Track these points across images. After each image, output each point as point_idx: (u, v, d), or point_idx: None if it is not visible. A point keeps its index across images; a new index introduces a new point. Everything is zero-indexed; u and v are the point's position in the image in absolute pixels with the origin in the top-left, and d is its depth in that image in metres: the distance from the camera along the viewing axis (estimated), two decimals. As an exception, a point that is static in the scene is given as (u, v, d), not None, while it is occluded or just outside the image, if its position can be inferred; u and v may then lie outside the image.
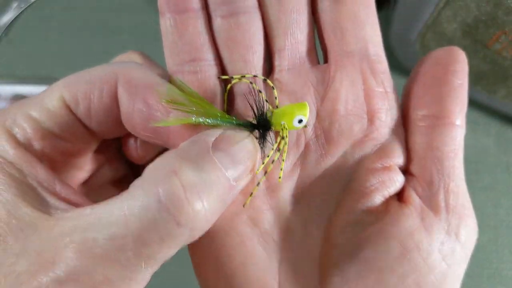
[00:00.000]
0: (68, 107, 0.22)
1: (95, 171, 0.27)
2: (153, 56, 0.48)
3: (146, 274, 0.18)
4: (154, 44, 0.49)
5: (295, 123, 0.21)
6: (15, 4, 0.47)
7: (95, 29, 0.48)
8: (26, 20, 0.48)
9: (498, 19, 0.33)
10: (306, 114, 0.21)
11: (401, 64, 0.47)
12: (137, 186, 0.18)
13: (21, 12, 0.47)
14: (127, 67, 0.22)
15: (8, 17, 0.47)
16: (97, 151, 0.26)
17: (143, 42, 0.47)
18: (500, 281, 0.42)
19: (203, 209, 0.18)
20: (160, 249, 0.17)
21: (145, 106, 0.21)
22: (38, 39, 0.47)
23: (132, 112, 0.21)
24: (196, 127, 0.21)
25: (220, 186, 0.19)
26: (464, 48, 0.39)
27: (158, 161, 0.19)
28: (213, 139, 0.20)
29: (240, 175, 0.20)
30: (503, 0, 0.32)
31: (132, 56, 0.26)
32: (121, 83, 0.22)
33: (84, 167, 0.26)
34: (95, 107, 0.22)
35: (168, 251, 0.18)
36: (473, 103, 0.47)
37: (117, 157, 0.28)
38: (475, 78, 0.40)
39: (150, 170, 0.19)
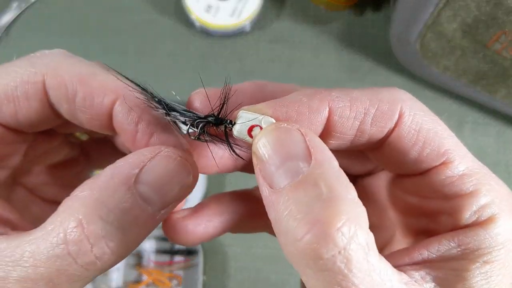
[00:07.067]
0: None
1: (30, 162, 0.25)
2: (152, 56, 0.48)
3: None
4: (154, 44, 0.49)
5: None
6: (15, 4, 0.47)
7: (95, 29, 0.48)
8: (26, 20, 0.48)
9: (498, 19, 0.33)
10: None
11: (401, 64, 0.47)
12: (49, 224, 0.18)
13: (21, 12, 0.47)
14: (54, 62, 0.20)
15: (8, 17, 0.47)
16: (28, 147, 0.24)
17: (143, 42, 0.47)
18: (500, 281, 0.42)
19: (106, 254, 0.18)
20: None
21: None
22: (38, 38, 0.47)
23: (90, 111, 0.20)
24: (149, 132, 0.20)
25: (141, 220, 0.18)
26: (464, 48, 0.39)
27: (74, 200, 0.18)
28: (136, 171, 0.18)
29: (166, 204, 0.19)
30: (503, 0, 0.32)
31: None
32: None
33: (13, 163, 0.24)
34: (22, 111, 0.20)
35: (77, 286, 0.18)
36: (473, 103, 0.47)
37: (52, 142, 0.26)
38: (475, 78, 0.40)
39: (64, 210, 0.18)
